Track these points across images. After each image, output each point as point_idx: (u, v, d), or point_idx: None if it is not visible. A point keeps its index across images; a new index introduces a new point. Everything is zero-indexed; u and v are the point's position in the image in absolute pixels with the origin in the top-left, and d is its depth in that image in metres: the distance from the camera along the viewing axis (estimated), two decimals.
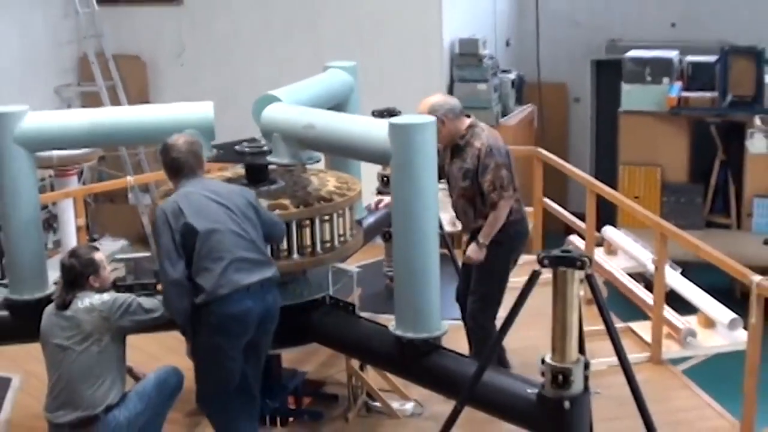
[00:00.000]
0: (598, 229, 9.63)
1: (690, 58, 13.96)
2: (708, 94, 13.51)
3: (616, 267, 9.36)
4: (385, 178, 8.46)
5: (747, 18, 14.78)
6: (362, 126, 6.35)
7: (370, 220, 7.61)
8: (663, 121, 13.65)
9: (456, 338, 6.56)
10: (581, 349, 5.28)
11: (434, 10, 13.11)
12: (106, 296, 6.11)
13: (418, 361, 6.10)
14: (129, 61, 14.36)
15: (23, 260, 6.94)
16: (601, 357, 7.06)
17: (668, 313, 8.19)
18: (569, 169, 9.85)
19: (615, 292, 9.10)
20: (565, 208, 10.39)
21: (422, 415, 7.22)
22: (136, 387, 6.28)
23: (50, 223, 12.31)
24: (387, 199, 7.23)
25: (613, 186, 11.68)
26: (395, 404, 7.28)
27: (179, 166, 6.11)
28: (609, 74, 15.34)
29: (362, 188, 7.18)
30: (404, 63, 12.95)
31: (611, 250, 9.89)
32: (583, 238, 9.46)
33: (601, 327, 5.35)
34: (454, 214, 7.33)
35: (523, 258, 8.10)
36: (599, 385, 5.65)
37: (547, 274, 5.16)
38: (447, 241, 8.24)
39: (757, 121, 13.05)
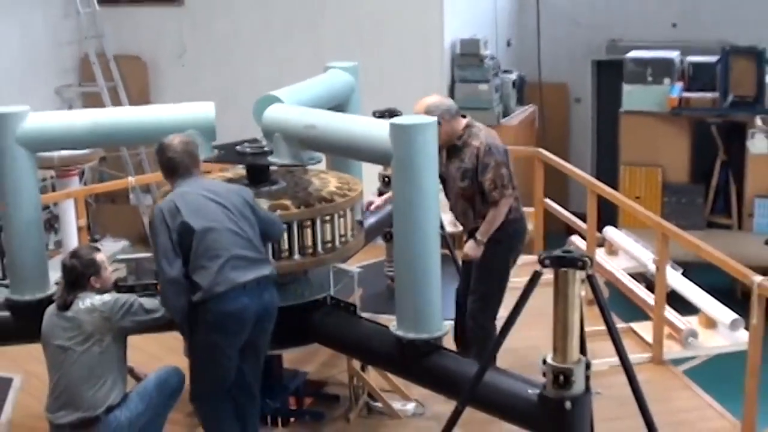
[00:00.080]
0: (599, 230, 9.63)
1: (691, 58, 13.95)
2: (709, 95, 13.51)
3: (617, 267, 9.36)
4: (386, 179, 8.45)
5: (748, 18, 14.77)
6: (363, 126, 6.35)
7: (371, 220, 7.61)
8: (664, 121, 13.64)
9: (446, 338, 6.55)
10: (582, 350, 5.28)
11: (435, 10, 13.11)
12: (107, 297, 6.11)
13: (419, 361, 6.11)
14: (130, 61, 14.37)
15: (24, 260, 6.94)
16: (603, 357, 7.05)
17: (669, 313, 8.19)
18: (570, 170, 9.84)
19: (616, 292, 9.10)
20: (566, 209, 10.39)
21: (423, 416, 7.22)
22: (137, 387, 6.28)
23: (51, 223, 12.31)
24: (378, 200, 7.22)
25: (614, 186, 11.67)
26: (396, 405, 7.28)
27: (175, 166, 6.12)
28: (610, 74, 15.34)
29: (363, 189, 7.18)
30: (405, 63, 12.95)
31: (612, 251, 9.89)
32: (584, 239, 9.46)
33: (603, 327, 5.35)
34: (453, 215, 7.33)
35: (525, 258, 8.10)
36: (600, 385, 5.66)
37: (548, 275, 5.16)
38: (448, 241, 8.24)
39: (758, 121, 13.04)
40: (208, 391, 6.07)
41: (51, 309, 6.21)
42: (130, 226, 13.78)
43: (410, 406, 7.30)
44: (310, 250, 6.62)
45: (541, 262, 5.12)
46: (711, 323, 8.28)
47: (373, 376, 7.32)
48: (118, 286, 6.58)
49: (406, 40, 13.10)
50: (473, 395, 5.55)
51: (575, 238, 9.93)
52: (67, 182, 11.47)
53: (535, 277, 5.19)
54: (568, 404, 5.20)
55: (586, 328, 5.33)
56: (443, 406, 6.26)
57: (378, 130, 6.09)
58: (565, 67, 16.02)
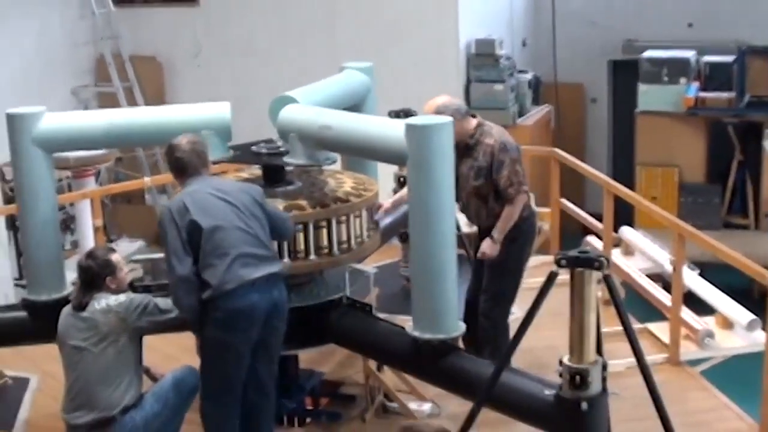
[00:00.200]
0: (616, 230, 9.61)
1: (707, 58, 13.93)
2: (725, 95, 13.48)
3: (633, 268, 9.34)
4: (401, 179, 8.45)
5: (764, 18, 14.72)
6: (379, 127, 6.34)
7: (387, 220, 7.61)
8: (680, 121, 13.62)
9: None
10: (599, 350, 5.27)
11: (450, 10, 13.11)
12: (122, 297, 6.12)
13: (435, 361, 6.10)
14: (145, 61, 14.42)
15: (41, 261, 6.96)
16: (619, 358, 7.02)
17: (686, 314, 8.17)
18: (586, 170, 9.82)
19: (632, 292, 9.07)
20: (582, 209, 10.36)
21: (439, 416, 7.21)
22: (153, 388, 6.29)
23: (68, 223, 12.36)
24: (387, 203, 7.22)
25: (631, 186, 11.65)
26: (412, 405, 7.27)
27: (183, 166, 6.13)
28: (626, 74, 15.31)
29: (379, 189, 7.18)
30: (420, 64, 12.95)
31: (629, 251, 9.87)
32: (601, 239, 9.43)
33: (619, 328, 5.34)
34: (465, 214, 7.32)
35: (541, 258, 8.11)
36: (617, 386, 5.63)
37: (564, 275, 5.15)
38: (464, 241, 8.23)
39: None
40: (216, 390, 6.05)
41: (67, 309, 6.22)
42: (146, 227, 13.80)
43: (426, 407, 7.29)
44: (326, 251, 6.62)
45: (557, 262, 5.11)
46: (728, 324, 8.26)
47: (389, 377, 7.32)
48: (134, 287, 6.59)
49: (422, 41, 13.10)
50: (489, 396, 5.55)
51: (591, 239, 9.90)
52: (84, 183, 11.49)
53: (551, 278, 5.18)
54: (584, 405, 5.20)
55: (603, 329, 5.32)
56: (459, 406, 6.26)
57: (393, 131, 6.08)
58: (581, 67, 15.99)
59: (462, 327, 6.22)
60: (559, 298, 5.40)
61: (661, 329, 8.36)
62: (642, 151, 13.97)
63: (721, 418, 7.31)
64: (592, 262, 5.06)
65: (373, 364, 7.21)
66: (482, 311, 7.12)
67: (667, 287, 8.53)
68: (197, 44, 14.30)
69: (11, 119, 6.77)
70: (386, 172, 8.17)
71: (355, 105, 7.62)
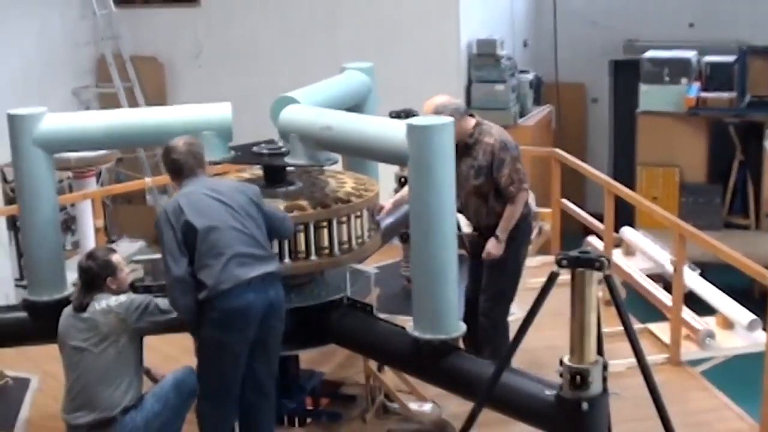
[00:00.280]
0: (617, 230, 9.61)
1: (708, 58, 13.94)
2: (726, 95, 13.49)
3: (634, 268, 9.34)
4: (402, 179, 8.45)
5: (765, 18, 14.74)
6: (380, 127, 6.34)
7: (388, 221, 7.61)
8: (681, 121, 13.62)
9: None
10: (599, 350, 5.27)
11: (452, 11, 13.12)
12: (122, 298, 6.12)
13: (435, 362, 6.10)
14: (146, 62, 14.42)
15: (42, 261, 6.96)
16: (620, 358, 7.03)
17: (687, 314, 8.17)
18: (587, 170, 9.82)
19: (633, 293, 9.07)
20: (583, 209, 10.36)
21: (440, 416, 7.21)
22: (154, 389, 6.29)
23: (69, 224, 12.36)
24: (388, 205, 7.23)
25: (632, 187, 11.66)
26: (413, 405, 7.27)
27: (179, 167, 6.15)
28: (627, 74, 15.31)
29: (380, 189, 7.18)
30: (422, 64, 12.95)
31: (629, 251, 9.87)
32: (602, 239, 9.43)
33: (620, 328, 5.33)
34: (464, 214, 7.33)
35: (542, 259, 8.08)
36: (617, 386, 5.62)
37: (565, 275, 5.15)
38: (465, 241, 8.22)
39: None
40: (213, 390, 6.05)
41: (67, 310, 6.23)
42: (146, 227, 13.76)
43: (427, 407, 7.28)
44: (327, 251, 6.62)
45: (558, 262, 5.11)
46: (728, 324, 8.26)
47: (389, 377, 7.32)
48: (135, 287, 6.59)
49: (423, 41, 13.10)
50: (490, 396, 5.54)
51: (592, 239, 9.91)
52: (84, 183, 11.49)
53: (552, 278, 5.18)
54: (585, 405, 5.20)
55: (603, 329, 5.32)
56: (460, 406, 6.25)
57: (394, 131, 6.09)
58: (582, 67, 16.00)
59: (462, 327, 6.22)
60: (559, 298, 5.41)
61: (661, 329, 8.37)
62: (643, 151, 13.97)
63: (722, 419, 7.31)
64: (592, 262, 5.06)
65: (373, 364, 7.22)
66: (482, 311, 7.13)
67: (667, 287, 8.53)
68: (198, 45, 14.30)
69: (12, 120, 6.77)
70: (387, 173, 8.17)
71: (356, 105, 7.62)
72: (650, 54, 13.97)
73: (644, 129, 13.91)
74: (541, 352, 7.28)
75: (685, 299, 8.15)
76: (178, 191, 6.15)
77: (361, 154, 7.00)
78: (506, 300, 7.18)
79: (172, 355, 7.49)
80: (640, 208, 10.16)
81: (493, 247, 6.96)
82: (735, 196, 13.86)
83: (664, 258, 9.19)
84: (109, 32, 14.03)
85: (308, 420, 7.27)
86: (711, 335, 8.05)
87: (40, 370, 8.05)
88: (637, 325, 8.17)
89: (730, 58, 13.69)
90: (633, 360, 5.36)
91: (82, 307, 6.09)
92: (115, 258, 6.28)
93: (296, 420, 7.19)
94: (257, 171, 7.21)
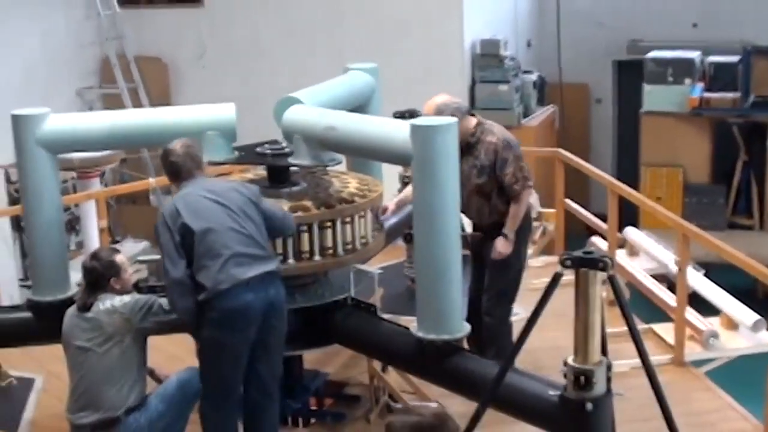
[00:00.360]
0: (620, 231, 9.61)
1: (712, 58, 13.91)
2: (730, 95, 13.47)
3: (638, 268, 9.34)
4: (406, 179, 8.45)
5: None
6: (383, 127, 6.34)
7: (392, 221, 7.62)
8: (685, 121, 13.60)
9: None
10: (603, 351, 5.26)
11: (455, 11, 13.11)
12: (126, 298, 6.14)
13: (439, 362, 6.10)
14: (150, 63, 14.41)
15: (46, 262, 6.97)
16: (624, 359, 7.02)
17: (691, 314, 8.17)
18: (591, 170, 9.83)
19: (637, 293, 9.07)
20: (586, 210, 10.37)
21: (441, 409, 7.20)
22: (158, 389, 6.30)
23: (73, 224, 12.36)
24: (391, 205, 7.23)
25: (635, 187, 11.64)
26: (417, 405, 7.27)
27: (177, 170, 6.18)
28: (630, 75, 15.28)
29: (384, 190, 7.18)
30: (425, 64, 12.94)
31: (633, 252, 9.87)
32: (605, 240, 9.43)
33: (624, 329, 5.33)
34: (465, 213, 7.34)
35: (545, 259, 8.06)
36: (622, 386, 5.63)
37: (569, 276, 5.15)
38: (468, 242, 8.22)
39: None
40: (214, 390, 6.05)
41: (71, 310, 6.24)
42: (150, 227, 13.62)
43: (431, 407, 7.28)
44: (331, 251, 6.62)
45: (562, 263, 5.11)
46: (732, 324, 8.26)
47: (393, 377, 7.32)
48: (139, 287, 6.60)
49: (427, 41, 13.10)
50: (494, 396, 5.54)
51: (596, 239, 9.91)
52: (88, 184, 11.51)
53: (556, 278, 5.17)
54: (589, 406, 5.19)
55: (607, 330, 5.31)
56: (463, 407, 6.25)
57: (398, 131, 6.09)
58: (586, 67, 15.98)
59: (467, 328, 6.22)
60: (563, 298, 5.40)
61: (665, 330, 8.36)
62: (647, 151, 13.96)
63: (726, 419, 7.31)
64: (596, 262, 5.06)
65: (377, 364, 7.23)
66: (486, 310, 7.14)
67: (671, 288, 8.53)
68: (202, 45, 14.29)
69: (16, 120, 6.78)
70: (391, 173, 8.17)
71: (359, 106, 7.62)
72: (654, 54, 13.95)
73: (648, 129, 13.89)
74: (545, 352, 7.29)
75: (689, 300, 8.15)
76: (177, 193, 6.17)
77: (364, 154, 7.00)
78: (509, 298, 7.21)
79: (176, 355, 7.50)
80: (644, 209, 10.15)
81: (502, 246, 6.98)
82: (739, 196, 13.83)
83: (667, 258, 9.19)
84: (113, 33, 14.03)
85: (312, 420, 7.27)
86: (715, 336, 8.05)
87: (44, 370, 8.06)
88: (641, 326, 8.18)
89: (734, 59, 13.67)
90: (637, 360, 5.35)
91: (86, 308, 6.10)
92: (119, 258, 6.29)
93: (300, 420, 7.20)
94: (261, 171, 7.21)
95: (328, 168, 7.10)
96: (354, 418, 7.30)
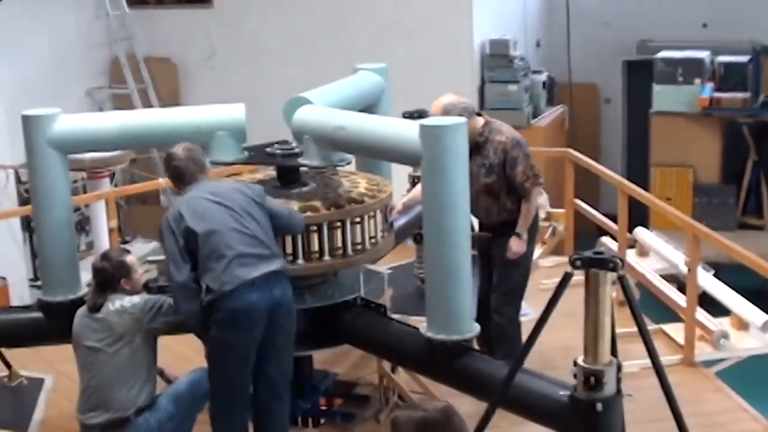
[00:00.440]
0: (630, 231, 9.60)
1: (722, 58, 13.88)
2: (740, 95, 13.44)
3: (648, 269, 9.32)
4: (415, 180, 8.45)
5: None
6: (393, 128, 6.34)
7: (401, 221, 7.62)
8: (695, 121, 13.58)
9: None
10: (614, 351, 5.26)
11: (464, 11, 13.09)
12: (136, 298, 6.15)
13: (449, 362, 6.10)
14: (160, 63, 14.43)
15: (56, 262, 6.98)
16: (634, 359, 7.01)
17: (701, 314, 8.15)
18: (601, 171, 9.82)
19: (647, 293, 9.06)
20: (596, 210, 10.36)
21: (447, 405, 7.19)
22: (168, 390, 6.31)
23: (83, 225, 12.38)
24: (398, 205, 7.22)
25: (645, 187, 11.63)
26: (423, 401, 7.26)
27: (181, 174, 6.21)
28: (640, 75, 15.25)
29: (393, 190, 7.18)
30: (434, 64, 12.93)
31: (643, 252, 9.86)
32: (615, 240, 9.42)
33: (634, 329, 5.32)
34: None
35: (555, 259, 8.04)
36: (632, 387, 5.62)
37: (579, 276, 5.14)
38: (476, 242, 8.22)
39: None
40: (222, 391, 6.06)
41: (82, 310, 6.25)
42: None
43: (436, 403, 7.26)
44: (340, 252, 6.62)
45: (572, 263, 5.10)
46: (743, 325, 8.24)
47: (403, 378, 7.32)
48: (149, 287, 6.61)
49: (436, 41, 13.09)
50: (504, 397, 5.54)
51: (606, 239, 9.90)
52: (98, 184, 11.51)
53: (566, 279, 5.17)
54: (599, 406, 5.18)
55: (617, 330, 5.31)
56: (473, 407, 6.24)
57: (407, 131, 6.08)
58: (595, 67, 15.95)
59: (476, 328, 6.21)
60: (573, 299, 5.40)
61: (675, 330, 8.35)
62: (656, 151, 13.94)
63: (736, 420, 7.29)
64: (606, 263, 5.05)
65: (387, 364, 7.23)
66: (495, 308, 7.15)
67: (681, 288, 8.52)
68: (211, 46, 14.30)
69: (27, 121, 6.79)
70: (400, 173, 8.17)
71: (369, 106, 7.62)
72: (663, 54, 13.93)
73: (658, 129, 13.87)
74: (555, 352, 7.29)
75: (699, 300, 8.13)
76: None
77: (374, 154, 7.00)
78: (518, 297, 7.24)
79: (185, 355, 7.50)
80: (654, 209, 10.13)
81: (517, 245, 7.02)
82: (749, 196, 13.80)
83: (677, 258, 9.18)
84: (122, 33, 14.05)
85: (322, 420, 7.27)
86: (725, 336, 8.03)
87: (54, 370, 8.07)
88: (651, 326, 8.16)
89: (743, 58, 13.64)
90: (647, 361, 5.35)
91: (96, 308, 6.11)
92: (130, 259, 6.30)
93: (310, 420, 7.20)
94: (271, 172, 7.22)
95: (337, 168, 7.10)
96: (363, 419, 7.30)
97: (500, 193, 7.02)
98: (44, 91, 12.47)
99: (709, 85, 13.62)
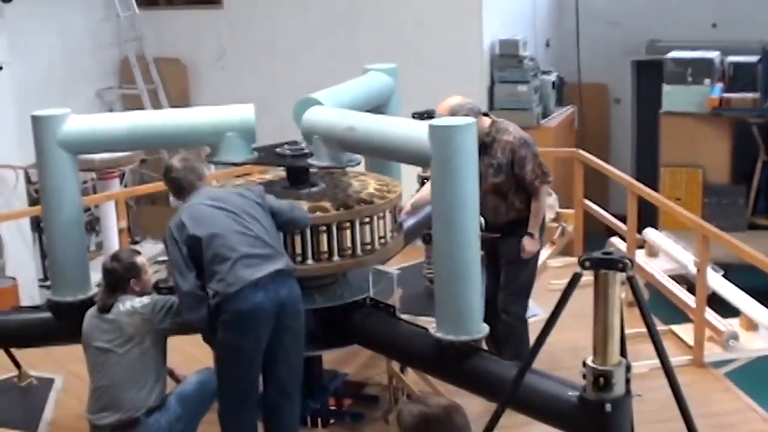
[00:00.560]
0: (640, 231, 9.59)
1: (731, 58, 13.87)
2: (749, 95, 13.42)
3: (657, 269, 9.31)
4: (424, 180, 8.45)
5: None
6: (402, 128, 6.34)
7: (411, 222, 7.62)
8: (704, 122, 13.57)
9: None
10: (623, 352, 5.26)
11: (474, 11, 13.09)
12: (146, 299, 6.16)
13: (458, 363, 6.09)
14: (169, 64, 14.45)
15: (66, 262, 6.99)
16: (643, 360, 7.01)
17: (710, 315, 8.14)
18: (610, 171, 9.81)
19: (656, 294, 9.05)
20: (606, 210, 10.35)
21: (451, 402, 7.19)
22: (177, 390, 6.32)
23: (93, 225, 12.41)
24: (407, 206, 7.22)
25: (655, 187, 11.63)
26: (429, 396, 7.25)
27: (180, 185, 6.24)
28: (650, 75, 15.25)
29: (402, 190, 7.18)
30: (444, 65, 12.93)
31: (653, 252, 9.85)
32: (625, 240, 9.42)
33: (643, 329, 5.32)
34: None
35: (565, 260, 8.02)
36: (641, 388, 5.62)
37: (588, 277, 5.14)
38: (485, 242, 8.22)
39: None
40: (231, 392, 6.07)
41: (92, 311, 6.26)
42: None
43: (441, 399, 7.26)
44: (349, 252, 6.63)
45: (581, 263, 5.11)
46: (752, 325, 8.23)
47: (412, 378, 7.32)
48: (159, 288, 6.62)
49: (445, 42, 13.09)
50: (513, 397, 5.54)
51: (615, 240, 9.89)
52: (108, 184, 11.55)
53: (575, 279, 5.17)
54: (608, 407, 5.18)
55: (627, 330, 5.31)
56: (481, 407, 6.25)
57: (417, 132, 6.08)
58: (605, 67, 15.95)
59: (486, 328, 6.21)
60: (582, 299, 5.40)
61: (685, 331, 8.34)
62: (666, 151, 13.93)
63: (746, 420, 7.28)
64: (616, 263, 5.05)
65: (396, 365, 7.23)
66: (503, 308, 7.16)
67: (691, 289, 8.51)
68: (221, 46, 14.32)
69: (36, 121, 6.81)
70: (409, 173, 8.17)
71: (378, 106, 7.62)
72: (673, 54, 13.93)
73: (667, 129, 13.87)
74: (564, 353, 7.28)
75: (709, 300, 8.12)
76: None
77: (383, 155, 7.00)
78: (526, 295, 7.28)
79: (195, 355, 7.50)
80: (664, 209, 10.13)
81: (530, 245, 7.06)
82: (759, 196, 13.79)
83: (687, 259, 9.17)
84: (132, 34, 14.07)
85: (331, 420, 7.27)
86: (735, 337, 8.02)
87: (63, 371, 8.09)
88: (660, 327, 8.15)
89: (753, 59, 13.63)
90: (656, 361, 5.35)
91: (106, 309, 6.12)
92: (140, 260, 6.31)
93: (319, 420, 7.19)
94: (280, 172, 7.22)
95: (347, 169, 7.10)
96: (373, 419, 7.30)
97: (508, 193, 7.03)
98: (54, 91, 12.51)
99: (719, 86, 13.61)
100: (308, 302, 6.32)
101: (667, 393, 5.28)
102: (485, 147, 6.96)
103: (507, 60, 13.45)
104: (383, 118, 7.00)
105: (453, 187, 5.90)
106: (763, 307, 8.23)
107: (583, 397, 5.31)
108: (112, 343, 6.05)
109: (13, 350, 7.78)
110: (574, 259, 5.19)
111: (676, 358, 7.70)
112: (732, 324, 8.19)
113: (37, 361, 8.08)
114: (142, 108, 12.92)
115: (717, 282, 8.70)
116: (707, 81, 13.56)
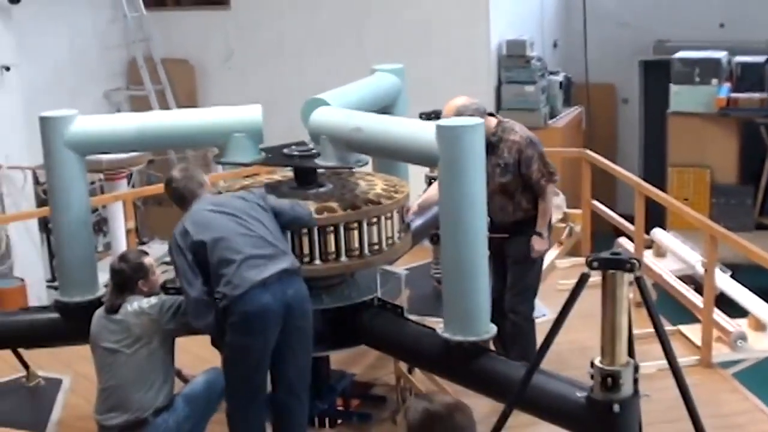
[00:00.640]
0: (647, 232, 9.58)
1: (739, 58, 13.87)
2: (757, 95, 13.42)
3: (665, 269, 9.30)
4: (431, 180, 8.45)
5: None
6: (409, 128, 6.34)
7: (418, 222, 7.62)
8: (712, 122, 13.57)
9: None
10: (631, 352, 5.25)
11: (481, 11, 13.11)
12: (154, 299, 6.16)
13: (466, 363, 6.09)
14: (177, 64, 14.48)
15: (74, 263, 6.99)
16: (651, 360, 7.01)
17: (718, 315, 8.13)
18: (618, 171, 9.80)
19: (664, 294, 9.04)
20: (613, 210, 10.34)
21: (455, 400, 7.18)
22: (185, 390, 6.32)
23: (100, 226, 12.43)
24: (414, 206, 7.22)
25: (662, 188, 11.61)
26: (435, 393, 7.25)
27: (182, 195, 6.24)
28: (657, 75, 15.25)
29: (410, 191, 7.18)
30: (451, 65, 12.94)
31: (660, 253, 9.83)
32: (632, 241, 9.41)
33: (651, 330, 5.32)
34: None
35: (572, 260, 8.00)
36: (648, 388, 5.60)
37: (596, 277, 5.14)
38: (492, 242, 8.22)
39: None
40: (239, 393, 6.07)
41: (99, 312, 6.27)
42: None
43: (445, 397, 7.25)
44: (357, 252, 6.63)
45: (589, 264, 5.10)
46: (760, 326, 8.22)
47: (419, 378, 7.32)
48: (166, 288, 6.62)
49: (453, 42, 13.10)
50: (521, 397, 5.54)
51: (623, 240, 9.88)
52: (116, 185, 11.56)
53: (583, 279, 5.17)
54: (616, 407, 5.18)
55: (635, 331, 5.31)
56: (489, 407, 6.25)
57: (424, 132, 6.08)
58: (612, 67, 15.95)
59: (493, 329, 6.21)
60: (590, 299, 5.39)
61: (693, 331, 8.33)
62: (674, 152, 13.93)
63: (754, 421, 7.27)
64: (623, 263, 5.05)
65: (403, 365, 7.22)
66: (511, 308, 7.15)
67: (698, 289, 8.50)
68: (228, 47, 14.34)
69: (44, 122, 6.81)
70: (417, 173, 8.17)
71: (386, 107, 7.63)
72: (681, 54, 13.93)
73: (675, 130, 13.87)
74: (572, 353, 7.27)
75: (717, 301, 8.11)
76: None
77: (391, 155, 7.00)
78: (533, 295, 7.29)
79: (203, 356, 7.49)
80: (671, 210, 10.12)
81: (539, 244, 7.07)
82: (766, 197, 13.78)
83: (695, 259, 9.16)
84: (140, 35, 14.11)
85: (339, 421, 7.27)
86: (743, 337, 8.01)
87: (71, 371, 8.10)
88: (668, 327, 8.13)
89: (760, 59, 13.62)
90: (664, 362, 5.35)
91: (113, 309, 6.13)
92: (148, 261, 6.32)
93: (327, 421, 7.19)
94: (288, 173, 7.23)
95: (354, 169, 7.10)
96: (380, 419, 7.29)
97: (515, 192, 7.03)
98: (62, 92, 12.53)
99: (726, 86, 13.61)
100: (316, 303, 6.32)
101: (675, 393, 5.28)
102: (492, 147, 6.95)
103: (514, 60, 13.46)
104: (390, 119, 7.00)
105: (460, 187, 5.90)
106: None
107: (591, 398, 5.30)
108: (119, 344, 6.05)
109: (21, 351, 7.79)
110: (582, 260, 5.19)
111: (684, 359, 7.69)
112: (740, 324, 8.18)
113: (45, 362, 8.09)
114: (149, 109, 12.95)
115: (725, 282, 8.69)
116: (715, 81, 13.56)
